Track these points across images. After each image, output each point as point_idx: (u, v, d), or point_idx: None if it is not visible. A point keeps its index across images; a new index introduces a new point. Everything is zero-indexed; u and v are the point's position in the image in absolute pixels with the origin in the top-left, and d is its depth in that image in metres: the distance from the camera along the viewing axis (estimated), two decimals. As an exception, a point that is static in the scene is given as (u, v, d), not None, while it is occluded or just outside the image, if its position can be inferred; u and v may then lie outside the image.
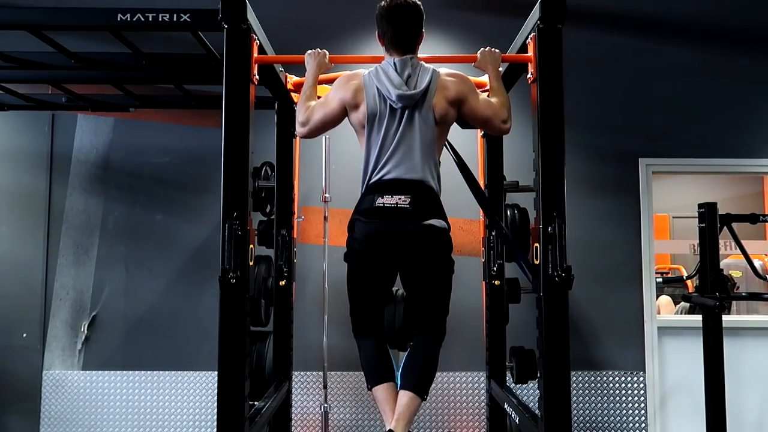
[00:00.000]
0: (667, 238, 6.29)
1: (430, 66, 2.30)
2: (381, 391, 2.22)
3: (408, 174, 2.21)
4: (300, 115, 2.37)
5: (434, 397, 3.77)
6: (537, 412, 2.31)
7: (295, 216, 3.29)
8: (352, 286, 2.35)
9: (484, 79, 2.65)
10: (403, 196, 2.18)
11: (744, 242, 3.48)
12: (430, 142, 2.25)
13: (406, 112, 2.22)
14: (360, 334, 2.35)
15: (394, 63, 2.26)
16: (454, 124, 2.40)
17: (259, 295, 2.90)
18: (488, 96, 2.38)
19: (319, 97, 2.45)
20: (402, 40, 2.27)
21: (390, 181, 2.21)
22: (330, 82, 2.99)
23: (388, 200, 2.19)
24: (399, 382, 2.25)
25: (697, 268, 3.40)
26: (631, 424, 3.77)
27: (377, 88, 2.24)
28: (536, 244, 2.24)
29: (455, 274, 2.35)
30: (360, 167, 2.30)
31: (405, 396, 2.18)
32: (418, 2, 2.30)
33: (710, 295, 3.24)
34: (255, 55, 2.35)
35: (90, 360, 3.79)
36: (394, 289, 2.84)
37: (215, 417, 2.15)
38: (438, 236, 2.24)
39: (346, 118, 2.34)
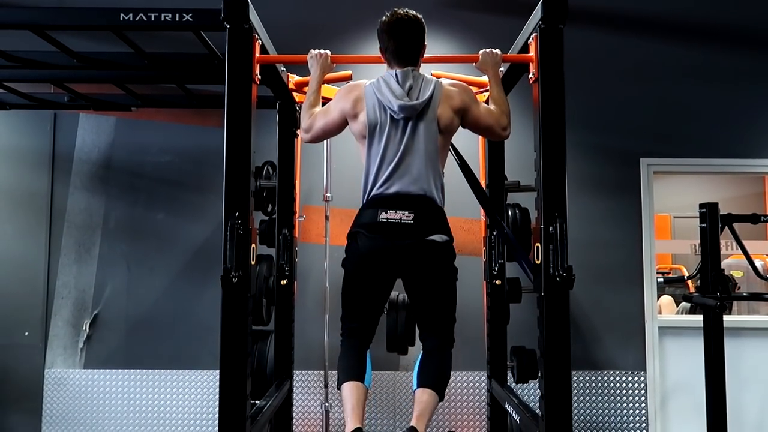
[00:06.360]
0: (669, 238, 6.28)
1: (433, 78, 2.30)
2: (348, 387, 2.18)
3: (411, 187, 2.18)
4: (303, 122, 2.40)
5: (435, 397, 3.78)
6: (538, 411, 2.32)
7: (297, 215, 3.29)
8: (347, 294, 2.31)
9: (485, 79, 2.65)
10: (406, 212, 2.15)
11: (745, 242, 3.48)
12: (434, 153, 2.23)
13: (409, 123, 2.20)
14: (346, 335, 2.31)
15: (396, 74, 2.24)
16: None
17: (260, 294, 2.91)
18: (488, 102, 2.39)
19: (323, 100, 2.45)
20: (404, 53, 2.27)
21: (393, 196, 2.18)
22: (333, 82, 3.01)
23: (391, 215, 2.15)
24: (415, 384, 2.22)
25: (698, 268, 3.41)
26: (631, 424, 3.77)
27: (378, 99, 2.22)
28: (537, 244, 2.25)
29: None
30: (361, 173, 2.28)
31: (425, 393, 2.16)
32: (419, 16, 2.30)
33: (711, 295, 3.24)
34: (257, 54, 2.35)
35: (91, 358, 3.80)
36: (395, 293, 2.83)
37: (216, 416, 2.16)
38: (440, 250, 2.21)
39: (347, 127, 2.34)
